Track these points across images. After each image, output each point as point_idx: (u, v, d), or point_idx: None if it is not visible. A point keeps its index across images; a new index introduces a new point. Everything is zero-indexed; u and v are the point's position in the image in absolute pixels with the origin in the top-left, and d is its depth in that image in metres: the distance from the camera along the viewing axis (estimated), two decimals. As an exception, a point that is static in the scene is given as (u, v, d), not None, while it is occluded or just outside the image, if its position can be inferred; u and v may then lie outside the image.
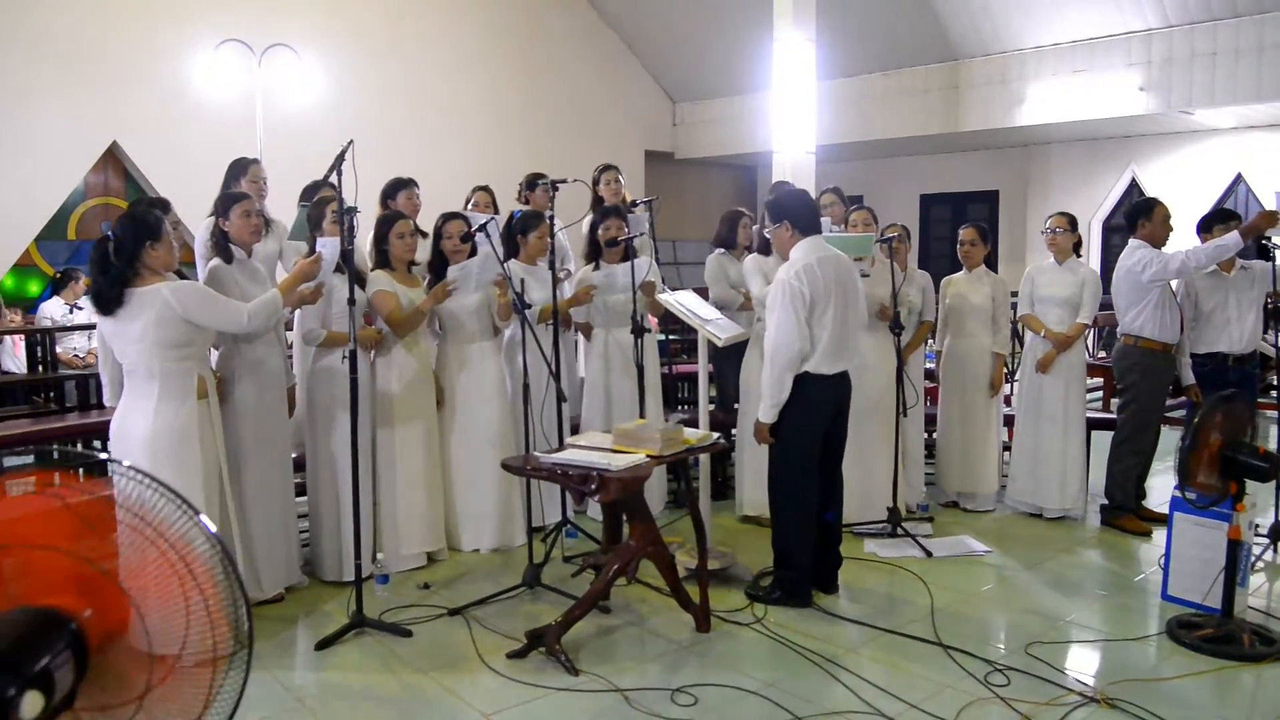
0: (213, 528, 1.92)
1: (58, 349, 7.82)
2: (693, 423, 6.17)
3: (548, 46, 13.34)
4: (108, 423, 3.88)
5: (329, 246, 4.01)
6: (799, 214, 4.34)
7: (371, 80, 11.47)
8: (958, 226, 6.16)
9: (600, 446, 3.84)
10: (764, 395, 4.25)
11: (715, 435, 4.09)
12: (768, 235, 4.53)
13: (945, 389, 6.13)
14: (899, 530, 5.35)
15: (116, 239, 3.54)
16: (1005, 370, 6.13)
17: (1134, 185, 13.07)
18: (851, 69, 12.67)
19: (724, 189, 16.24)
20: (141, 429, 3.57)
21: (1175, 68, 10.57)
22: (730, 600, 4.43)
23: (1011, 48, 11.70)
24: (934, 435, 6.38)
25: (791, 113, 10.09)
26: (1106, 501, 5.73)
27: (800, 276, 4.16)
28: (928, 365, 6.55)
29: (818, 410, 4.29)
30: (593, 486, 3.49)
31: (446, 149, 11.62)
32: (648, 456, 3.69)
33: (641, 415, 5.06)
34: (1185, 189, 11.81)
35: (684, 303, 4.44)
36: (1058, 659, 3.86)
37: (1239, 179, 12.15)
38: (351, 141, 3.82)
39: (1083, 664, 3.88)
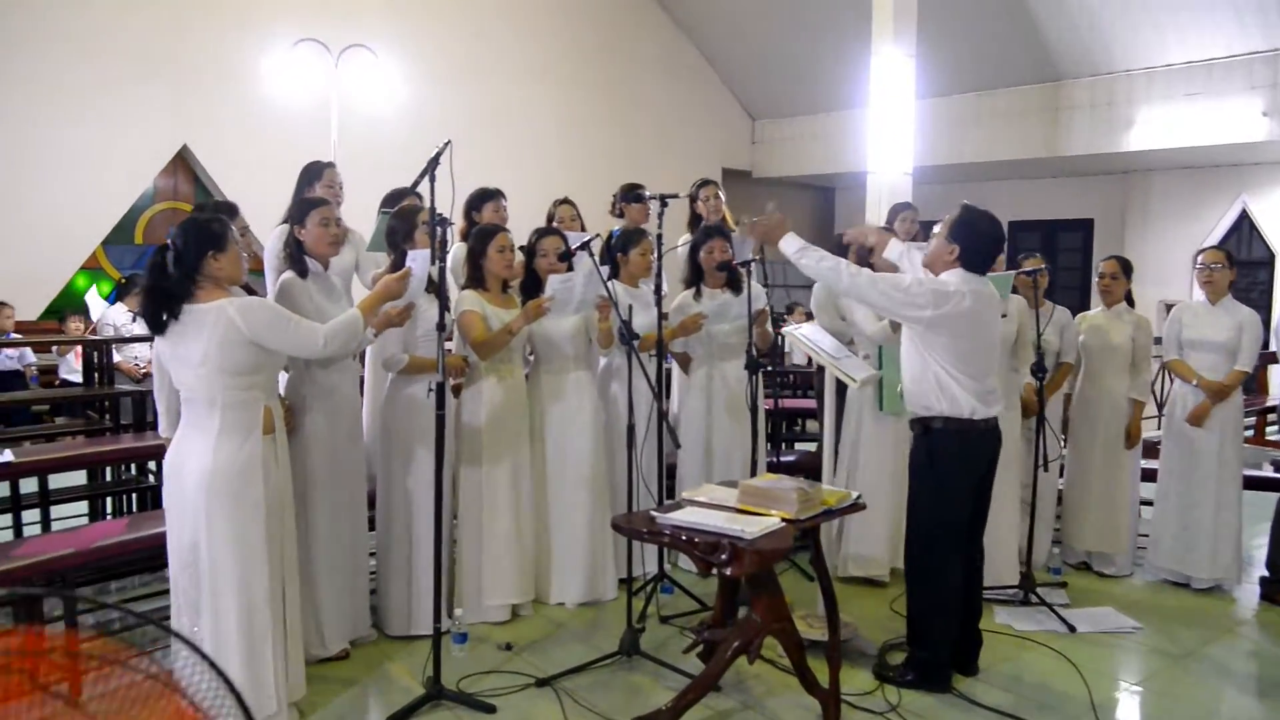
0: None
1: (118, 357, 7.49)
2: (802, 467, 5.65)
3: (625, 58, 12.94)
4: (164, 447, 3.44)
5: (419, 261, 3.51)
6: (977, 250, 3.69)
7: (449, 86, 11.13)
8: (1048, 256, 5.47)
9: (723, 504, 3.29)
10: (820, 259, 3.61)
11: (855, 494, 3.51)
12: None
13: (1075, 437, 5.50)
14: (1033, 598, 4.73)
15: (176, 248, 3.07)
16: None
17: (1244, 217, 12.27)
18: (946, 88, 12.05)
19: (802, 210, 15.69)
20: (199, 466, 3.08)
21: (1305, 91, 9.82)
22: (854, 679, 3.84)
23: (1119, 69, 11.02)
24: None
25: (889, 132, 9.51)
26: (1267, 573, 5.05)
27: (953, 296, 3.58)
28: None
29: (971, 465, 3.72)
30: (723, 557, 2.94)
31: (520, 160, 11.21)
32: (783, 520, 3.14)
33: (753, 463, 4.50)
34: (1302, 223, 11.04)
35: (811, 338, 3.89)
36: (1261, 779, 3.23)
37: (1363, 213, 11.33)
38: (449, 143, 3.33)
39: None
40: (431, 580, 3.63)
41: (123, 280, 8.88)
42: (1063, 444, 5.78)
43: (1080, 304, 12.17)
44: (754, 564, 2.94)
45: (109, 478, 5.37)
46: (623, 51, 12.92)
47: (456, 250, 4.94)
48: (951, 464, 3.67)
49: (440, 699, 3.51)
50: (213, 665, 1.49)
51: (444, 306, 3.52)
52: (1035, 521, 4.98)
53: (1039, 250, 5.87)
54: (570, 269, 4.31)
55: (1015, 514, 5.00)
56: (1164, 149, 11.03)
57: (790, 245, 3.65)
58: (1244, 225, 12.29)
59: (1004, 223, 12.83)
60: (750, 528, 3.01)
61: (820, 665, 3.57)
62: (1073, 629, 4.47)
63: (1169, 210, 12.80)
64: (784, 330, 4.24)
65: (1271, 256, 12.17)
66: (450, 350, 4.29)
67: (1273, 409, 9.58)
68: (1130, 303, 5.48)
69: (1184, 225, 12.52)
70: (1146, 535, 5.45)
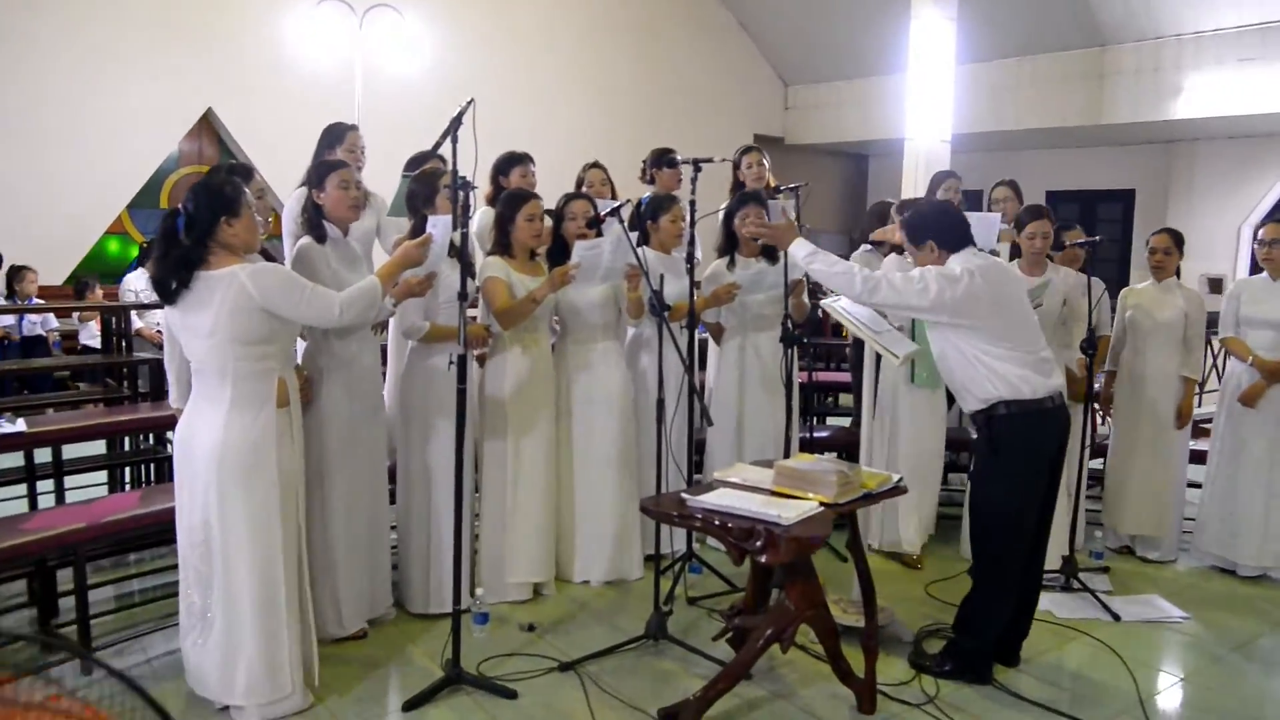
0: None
1: (139, 323, 7.41)
2: (837, 443, 5.49)
3: (657, 20, 12.66)
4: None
5: (440, 226, 3.35)
6: (944, 230, 3.54)
7: (475, 48, 10.91)
8: (1087, 227, 5.21)
9: (758, 486, 3.13)
10: (831, 264, 3.45)
11: (896, 477, 3.34)
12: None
13: (1120, 416, 5.29)
14: (1074, 582, 4.55)
15: (187, 213, 2.93)
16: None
17: (1294, 188, 11.86)
18: (985, 53, 11.67)
19: (834, 178, 15.39)
20: (209, 441, 2.96)
21: (1369, 54, 9.42)
22: (890, 669, 3.68)
23: (1168, 33, 10.61)
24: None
25: (927, 98, 9.24)
26: (1321, 563, 4.84)
27: (963, 278, 3.38)
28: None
29: (1040, 451, 3.51)
30: (758, 544, 2.78)
31: (547, 125, 11.00)
32: (821, 504, 2.97)
33: (786, 441, 4.33)
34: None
35: (850, 311, 3.70)
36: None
37: None
38: (472, 100, 3.16)
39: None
40: (451, 559, 3.50)
41: (146, 244, 8.82)
42: (1102, 422, 5.59)
43: (1120, 277, 11.86)
44: (791, 552, 2.78)
45: (127, 447, 5.28)
46: (653, 14, 12.64)
47: (481, 215, 4.78)
48: (1019, 451, 3.46)
49: (459, 683, 3.38)
50: (139, 690, 1.34)
51: (467, 274, 3.36)
52: (1079, 504, 4.80)
53: (1078, 222, 5.66)
54: (599, 235, 4.15)
55: (1061, 496, 4.82)
56: (1213, 117, 10.63)
57: (800, 250, 3.52)
58: (1293, 197, 11.89)
59: (1042, 192, 12.48)
60: (787, 513, 2.84)
61: (854, 652, 3.43)
62: (1117, 617, 4.30)
63: (1214, 181, 12.39)
64: (822, 302, 4.06)
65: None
66: (474, 319, 4.15)
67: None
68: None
69: (1230, 197, 12.14)
70: (1192, 519, 5.26)
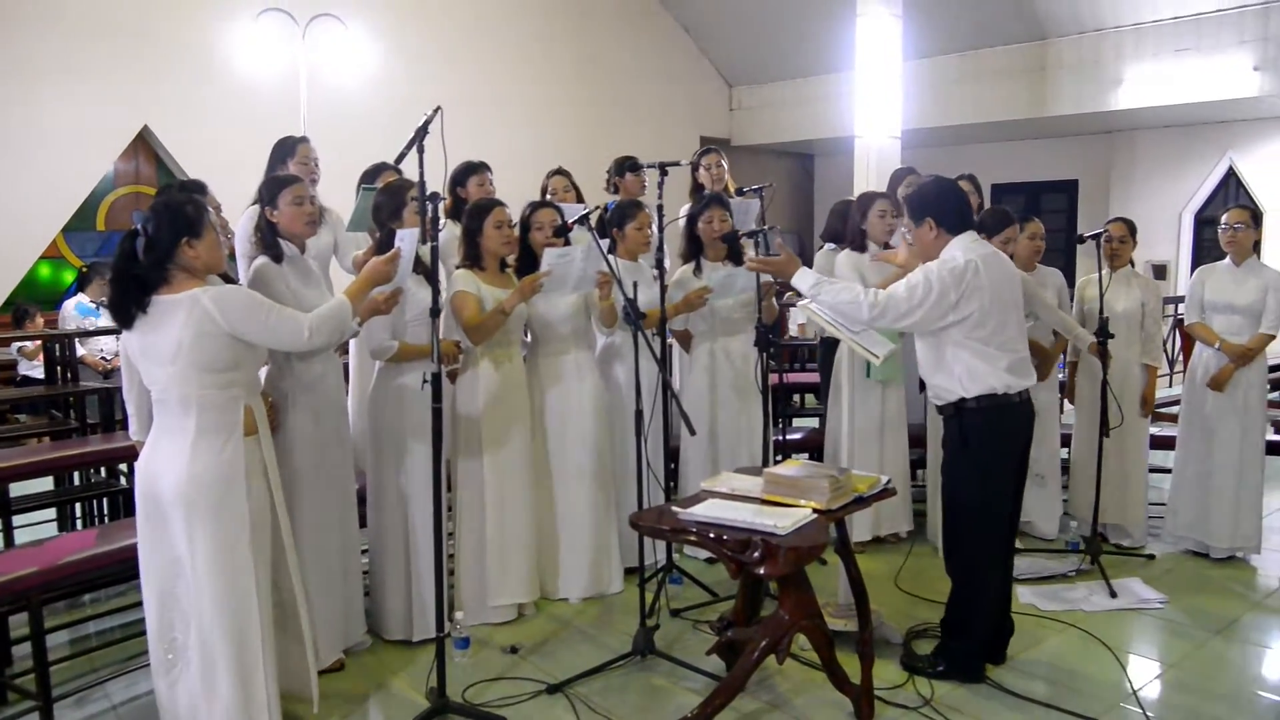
0: None
1: (82, 351, 7.14)
2: (811, 445, 5.45)
3: (601, 26, 12.57)
4: (135, 449, 3.17)
5: (408, 240, 3.23)
6: (946, 209, 3.50)
7: (422, 57, 10.72)
8: (1032, 218, 5.23)
9: (747, 495, 3.05)
10: (837, 292, 3.41)
11: (885, 479, 3.28)
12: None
13: (1082, 405, 5.33)
14: (1096, 564, 4.62)
15: (146, 234, 2.77)
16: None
17: (1231, 174, 12.10)
18: (928, 50, 11.76)
19: (781, 178, 15.41)
20: (174, 475, 2.79)
21: (1297, 44, 9.62)
22: (882, 671, 3.60)
23: (1108, 25, 10.76)
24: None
25: (876, 95, 9.24)
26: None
27: (967, 271, 3.35)
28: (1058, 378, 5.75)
29: (1009, 443, 3.50)
30: (755, 555, 2.69)
31: (494, 131, 10.81)
32: (814, 511, 2.90)
33: (765, 446, 4.26)
34: (1288, 180, 10.90)
35: (827, 311, 3.63)
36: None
37: (1352, 168, 11.17)
38: (439, 109, 3.04)
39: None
40: (432, 585, 3.37)
41: (84, 269, 8.51)
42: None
43: (1065, 266, 11.92)
44: (790, 563, 2.70)
45: (77, 481, 5.05)
46: (595, 19, 12.54)
47: (447, 230, 4.66)
48: (989, 443, 3.44)
49: (446, 713, 3.25)
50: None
51: (436, 291, 3.23)
52: (1099, 489, 4.85)
53: (1023, 213, 5.70)
54: (568, 244, 4.05)
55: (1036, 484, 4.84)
56: (1151, 107, 10.81)
57: (804, 281, 3.46)
58: (1230, 183, 12.13)
59: (988, 185, 12.51)
60: (782, 521, 2.77)
61: (844, 656, 3.36)
62: (1114, 594, 4.38)
63: (1154, 170, 12.62)
64: (797, 304, 3.99)
65: (1259, 214, 12.03)
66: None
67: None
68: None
69: (1169, 184, 12.37)
70: (1160, 504, 5.31)
